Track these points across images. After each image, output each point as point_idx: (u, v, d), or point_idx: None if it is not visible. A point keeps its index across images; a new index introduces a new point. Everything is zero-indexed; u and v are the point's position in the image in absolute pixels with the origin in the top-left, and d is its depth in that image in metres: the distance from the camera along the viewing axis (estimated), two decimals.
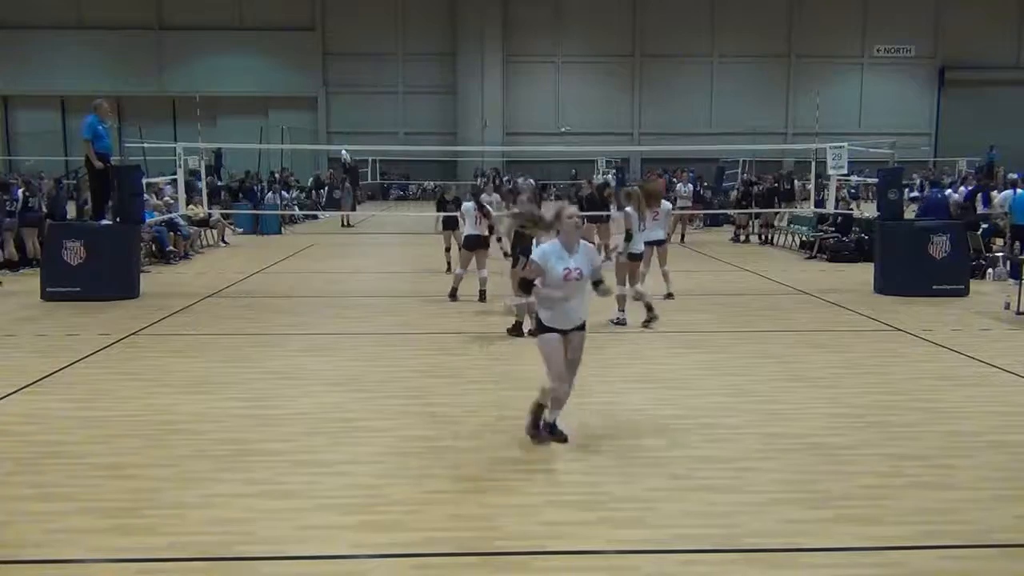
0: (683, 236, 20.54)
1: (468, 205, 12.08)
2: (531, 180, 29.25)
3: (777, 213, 20.94)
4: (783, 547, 4.40)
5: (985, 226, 16.26)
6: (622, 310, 10.24)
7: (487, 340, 9.45)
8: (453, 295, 11.98)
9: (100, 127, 12.48)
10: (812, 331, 10.09)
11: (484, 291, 11.85)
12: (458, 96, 41.51)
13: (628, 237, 10.16)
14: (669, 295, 12.06)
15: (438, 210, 16.08)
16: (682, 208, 21.21)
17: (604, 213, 16.09)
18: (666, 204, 12.31)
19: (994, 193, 22.29)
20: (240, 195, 25.76)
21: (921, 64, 42.77)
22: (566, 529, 4.60)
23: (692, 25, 41.81)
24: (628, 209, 10.37)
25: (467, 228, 12.03)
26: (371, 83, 41.88)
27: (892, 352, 8.89)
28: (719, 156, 31.78)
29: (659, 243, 12.09)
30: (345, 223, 26.06)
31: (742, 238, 21.45)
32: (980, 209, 18.31)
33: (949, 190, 24.42)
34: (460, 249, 12.33)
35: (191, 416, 6.62)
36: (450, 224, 14.77)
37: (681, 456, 5.75)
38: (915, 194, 28.16)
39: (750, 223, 21.68)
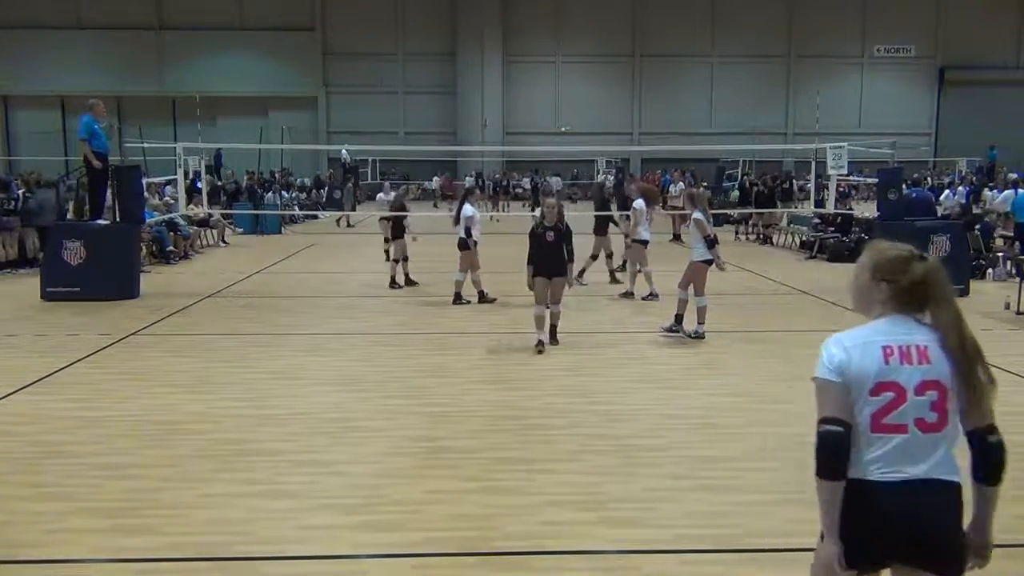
0: (678, 235, 20.54)
1: (467, 207, 12.01)
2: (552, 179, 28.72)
3: (773, 213, 20.95)
4: (783, 547, 4.40)
5: (979, 227, 16.27)
6: (701, 322, 9.40)
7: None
8: (485, 298, 11.87)
9: (96, 127, 12.48)
10: (812, 331, 10.08)
11: (459, 294, 11.81)
12: (458, 96, 41.51)
13: (712, 243, 9.38)
14: (641, 295, 12.18)
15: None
16: (673, 208, 21.29)
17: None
18: (638, 202, 12.39)
19: (988, 192, 22.26)
20: (239, 196, 25.60)
21: (921, 64, 42.76)
22: (566, 529, 4.60)
23: (692, 25, 41.79)
24: (697, 215, 9.52)
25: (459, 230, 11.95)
26: (371, 83, 41.85)
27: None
28: (719, 156, 31.79)
29: (643, 243, 12.24)
30: (346, 223, 26.04)
31: (750, 236, 21.58)
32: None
33: (948, 191, 24.43)
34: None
35: (191, 416, 6.62)
36: (399, 232, 13.44)
37: (682, 456, 5.74)
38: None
39: (757, 222, 21.74)
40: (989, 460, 2.54)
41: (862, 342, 2.55)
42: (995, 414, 2.58)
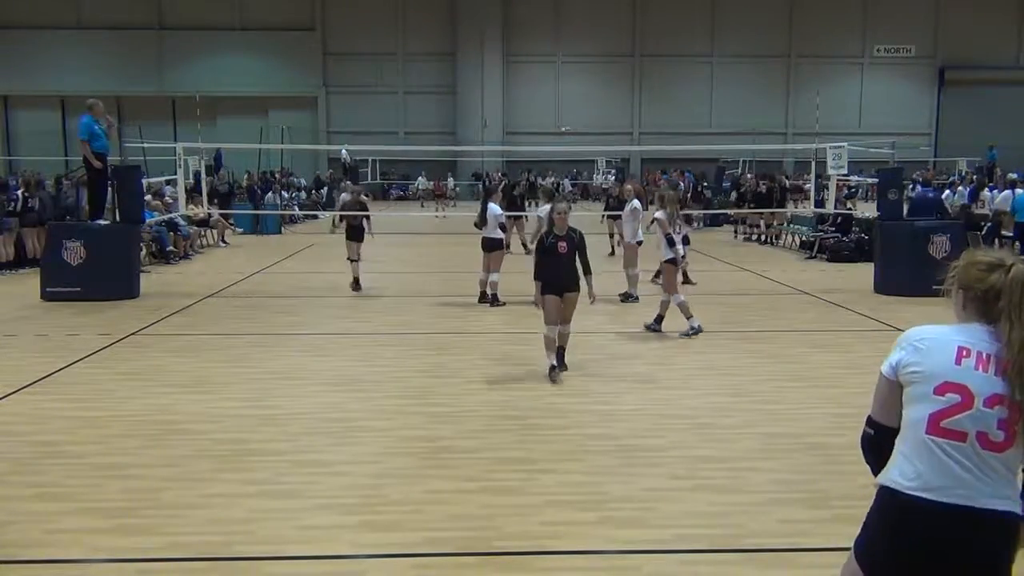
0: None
1: (493, 207, 11.91)
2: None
3: (774, 213, 20.94)
4: (783, 547, 4.40)
5: (988, 225, 16.24)
6: (689, 316, 9.51)
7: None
8: (486, 298, 11.73)
9: (96, 127, 12.46)
10: (812, 331, 10.08)
11: (495, 295, 11.64)
12: (458, 96, 41.51)
13: (671, 241, 9.51)
14: (619, 292, 12.11)
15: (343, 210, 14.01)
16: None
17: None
18: (635, 203, 12.38)
19: (987, 193, 22.27)
20: (231, 197, 25.24)
21: (921, 64, 42.76)
22: (566, 529, 4.60)
23: (692, 25, 41.79)
24: (659, 214, 9.79)
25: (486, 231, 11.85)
26: (371, 83, 41.85)
27: None
28: (719, 156, 31.79)
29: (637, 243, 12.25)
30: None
31: (751, 237, 21.40)
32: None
33: (947, 191, 24.43)
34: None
35: (191, 416, 6.62)
36: (355, 233, 13.06)
37: (681, 456, 5.74)
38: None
39: (765, 223, 21.45)
40: None
41: (938, 338, 2.35)
42: None
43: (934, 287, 11.19)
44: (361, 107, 41.75)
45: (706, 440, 6.07)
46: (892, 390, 2.39)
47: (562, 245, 7.65)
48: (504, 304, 11.53)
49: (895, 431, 2.38)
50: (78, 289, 11.82)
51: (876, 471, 2.43)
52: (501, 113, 41.57)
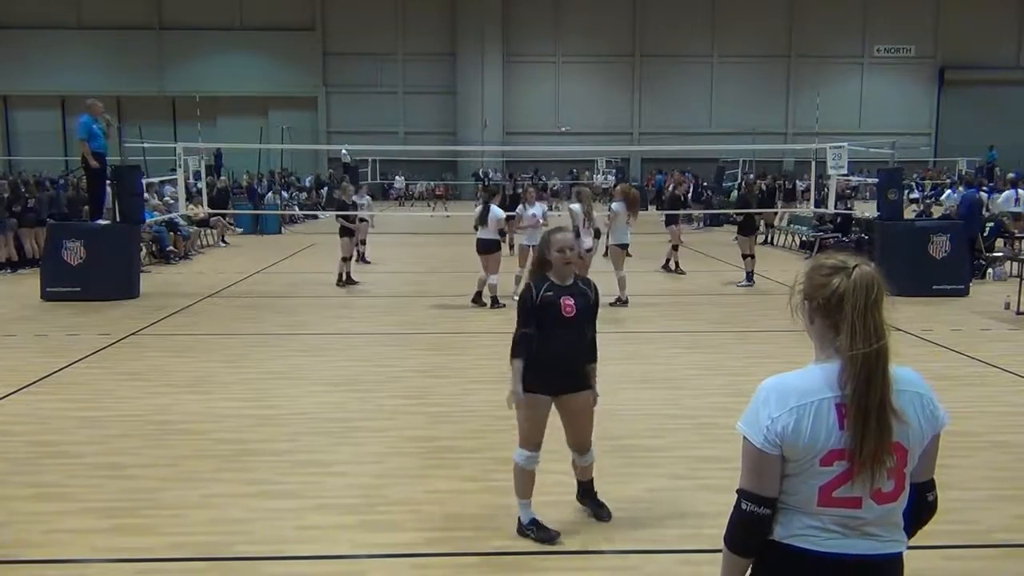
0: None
1: (496, 210, 11.65)
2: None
3: (776, 213, 20.91)
4: None
5: (991, 225, 16.20)
6: (623, 288, 11.68)
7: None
8: (481, 299, 11.64)
9: (95, 126, 12.45)
10: None
11: (492, 296, 11.60)
12: (458, 96, 41.50)
13: (598, 233, 12.02)
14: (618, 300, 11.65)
15: (337, 210, 14.70)
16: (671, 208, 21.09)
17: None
18: (615, 205, 11.94)
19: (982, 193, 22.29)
20: (219, 198, 24.93)
21: (921, 64, 42.75)
22: (566, 529, 4.59)
23: (692, 25, 41.78)
24: (615, 206, 11.73)
25: (480, 232, 11.65)
26: (371, 83, 41.85)
27: (891, 352, 8.86)
28: (719, 156, 31.78)
29: (623, 246, 11.89)
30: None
31: (765, 237, 21.00)
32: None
33: (948, 191, 24.43)
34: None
35: (191, 416, 6.62)
36: (348, 229, 13.76)
37: (681, 456, 5.74)
38: (915, 195, 28.18)
39: (766, 222, 21.08)
40: None
41: (812, 400, 2.08)
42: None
43: (934, 287, 11.20)
44: (361, 107, 41.73)
45: (706, 440, 6.07)
46: (774, 463, 2.09)
47: (568, 304, 4.34)
48: (504, 306, 11.51)
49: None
50: (78, 289, 11.82)
51: (750, 552, 2.13)
52: (501, 113, 41.55)
